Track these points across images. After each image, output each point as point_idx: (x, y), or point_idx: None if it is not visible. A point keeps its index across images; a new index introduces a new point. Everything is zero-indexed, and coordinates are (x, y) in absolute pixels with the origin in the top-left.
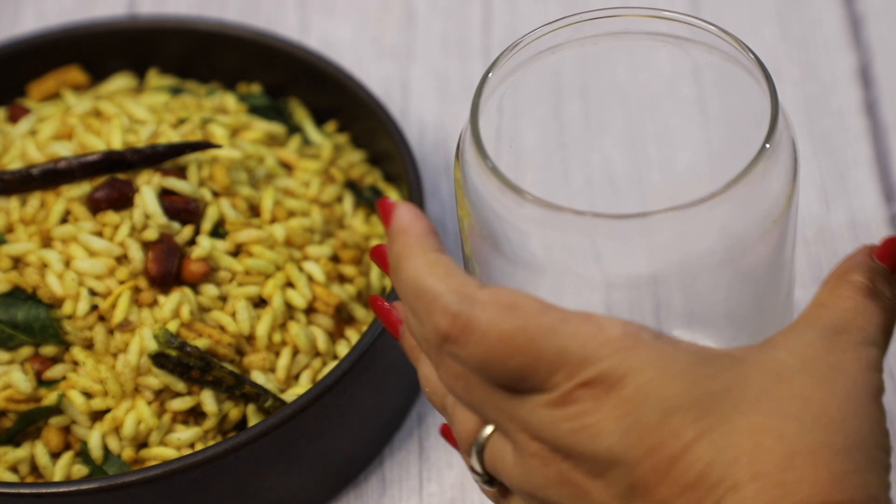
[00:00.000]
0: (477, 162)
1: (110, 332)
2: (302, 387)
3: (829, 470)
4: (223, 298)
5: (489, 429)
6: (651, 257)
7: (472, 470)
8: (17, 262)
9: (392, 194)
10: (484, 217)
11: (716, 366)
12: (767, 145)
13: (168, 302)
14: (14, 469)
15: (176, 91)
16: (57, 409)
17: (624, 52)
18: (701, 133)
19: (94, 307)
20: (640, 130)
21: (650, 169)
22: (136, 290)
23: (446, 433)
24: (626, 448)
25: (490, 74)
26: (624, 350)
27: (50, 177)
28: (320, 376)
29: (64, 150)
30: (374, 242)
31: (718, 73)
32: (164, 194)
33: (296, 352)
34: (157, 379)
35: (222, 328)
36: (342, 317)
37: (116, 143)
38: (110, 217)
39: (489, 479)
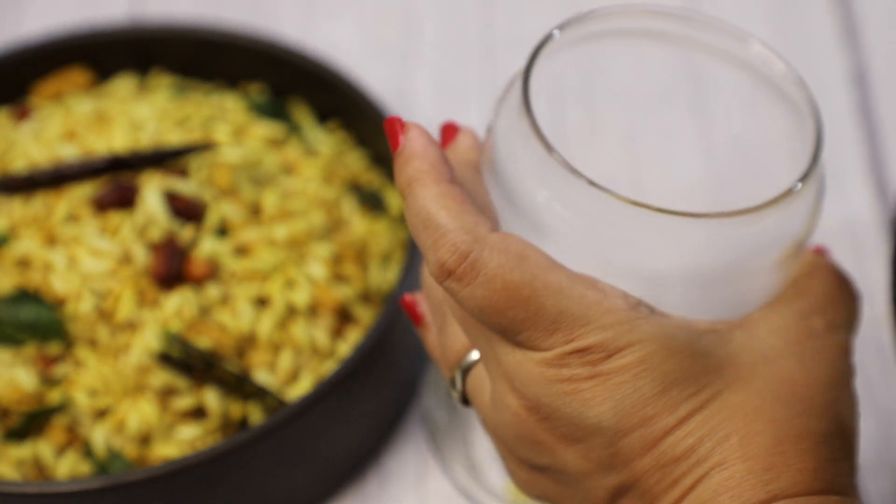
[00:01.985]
0: (521, 116)
1: (113, 331)
2: (303, 386)
3: (813, 458)
4: (225, 298)
5: (476, 354)
6: (651, 254)
7: (452, 384)
8: (22, 263)
9: (392, 194)
10: (506, 168)
11: (708, 343)
12: (799, 185)
13: (171, 302)
14: (18, 468)
15: (178, 92)
16: (60, 408)
17: (640, 52)
18: (708, 143)
19: (98, 307)
20: (648, 132)
21: (652, 173)
22: (140, 290)
23: (406, 306)
24: (617, 417)
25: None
26: (627, 322)
27: (54, 178)
28: (321, 376)
29: (67, 150)
30: (375, 242)
31: (746, 87)
32: (167, 195)
33: (297, 351)
34: (159, 378)
35: (224, 328)
36: (342, 317)
37: (119, 144)
38: (113, 218)
39: (466, 400)
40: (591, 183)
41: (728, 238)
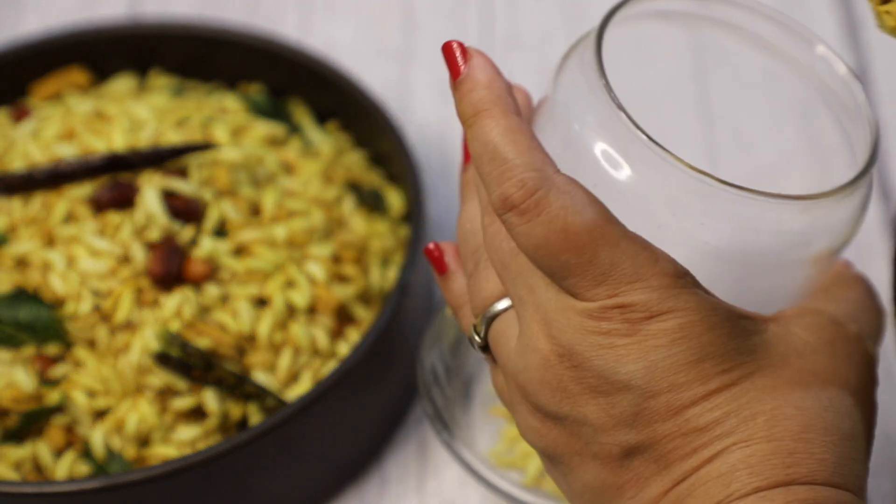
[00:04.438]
0: (591, 72)
1: (112, 331)
2: (302, 386)
3: (836, 453)
4: (224, 298)
5: (506, 302)
6: (704, 225)
7: (474, 332)
8: (20, 263)
9: (392, 194)
10: (567, 119)
11: (746, 326)
12: (858, 181)
13: (170, 302)
14: (17, 468)
15: (178, 92)
16: (59, 409)
17: (730, 41)
18: (779, 135)
19: (97, 307)
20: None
21: (722, 154)
22: (139, 290)
23: (432, 255)
24: (648, 379)
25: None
26: (674, 287)
27: (52, 178)
28: (321, 376)
29: (66, 150)
30: (375, 242)
31: (808, 87)
32: (166, 195)
33: (297, 351)
34: (158, 378)
35: (223, 328)
36: (343, 317)
37: (118, 144)
38: (112, 217)
39: (485, 347)
40: (655, 143)
41: (780, 221)
